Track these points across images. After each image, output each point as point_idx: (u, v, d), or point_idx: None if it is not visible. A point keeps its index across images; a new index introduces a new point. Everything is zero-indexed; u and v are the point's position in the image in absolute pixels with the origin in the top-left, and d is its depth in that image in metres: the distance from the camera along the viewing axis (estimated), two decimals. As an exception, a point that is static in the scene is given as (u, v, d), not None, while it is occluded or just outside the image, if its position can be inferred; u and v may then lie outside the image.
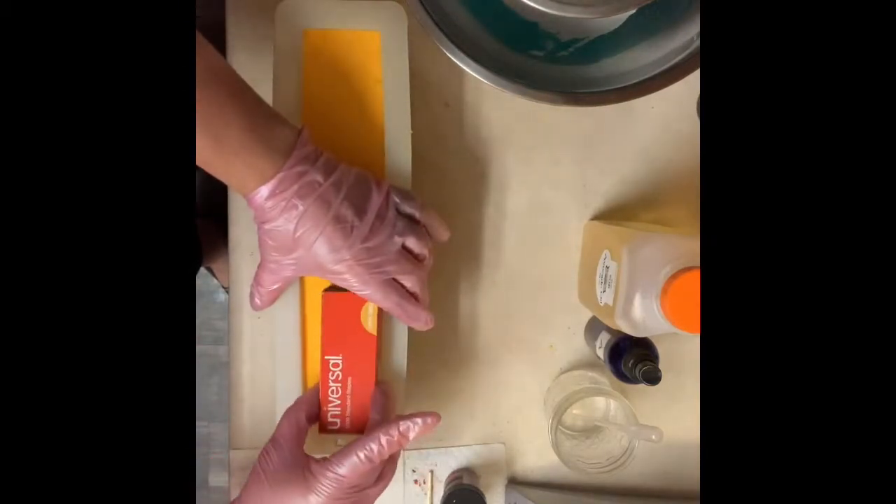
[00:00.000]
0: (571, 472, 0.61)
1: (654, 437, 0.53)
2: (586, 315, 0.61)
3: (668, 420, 0.62)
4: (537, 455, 0.63)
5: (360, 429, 0.51)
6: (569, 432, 0.62)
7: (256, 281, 0.50)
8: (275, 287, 0.50)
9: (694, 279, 0.44)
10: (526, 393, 0.62)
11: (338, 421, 0.51)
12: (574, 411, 0.61)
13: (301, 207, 0.44)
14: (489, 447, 0.63)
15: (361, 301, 0.50)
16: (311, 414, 0.51)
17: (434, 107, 0.59)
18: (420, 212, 0.50)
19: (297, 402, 0.51)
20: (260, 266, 0.49)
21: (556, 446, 0.56)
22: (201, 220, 1.07)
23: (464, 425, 0.63)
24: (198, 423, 1.33)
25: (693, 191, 0.60)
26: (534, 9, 0.43)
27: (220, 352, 1.33)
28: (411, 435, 0.47)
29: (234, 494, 0.62)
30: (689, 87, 0.48)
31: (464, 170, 0.60)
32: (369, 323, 0.51)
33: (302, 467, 0.47)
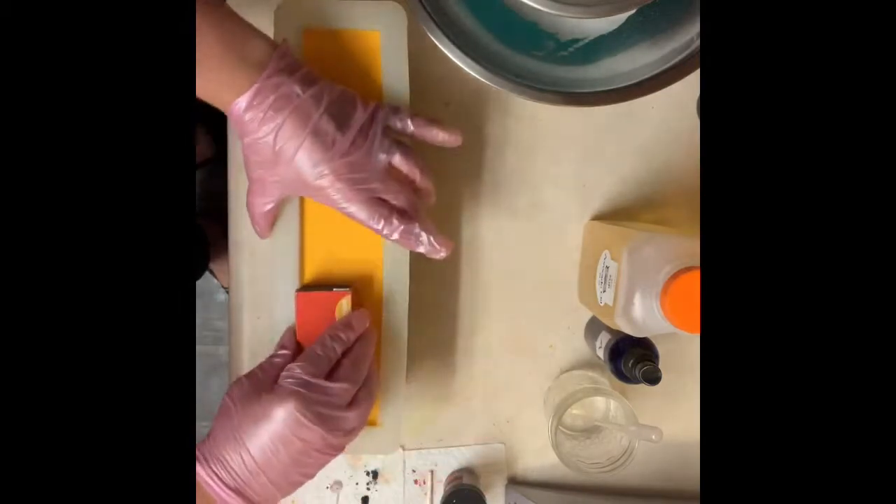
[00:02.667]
0: (571, 472, 0.61)
1: (654, 437, 0.53)
2: (586, 315, 0.61)
3: (668, 420, 0.62)
4: (537, 455, 0.63)
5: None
6: (569, 432, 0.62)
7: (248, 208, 0.50)
8: (267, 207, 0.49)
9: (694, 279, 0.44)
10: (526, 393, 0.62)
11: None
12: (574, 411, 0.61)
13: (279, 119, 0.44)
14: (489, 447, 0.63)
15: (335, 298, 0.50)
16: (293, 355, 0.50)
17: (434, 107, 0.59)
18: (412, 122, 0.49)
19: (285, 343, 0.50)
20: (248, 191, 0.49)
21: (556, 446, 0.56)
22: (201, 220, 1.07)
23: (464, 425, 0.63)
24: (198, 423, 1.33)
25: (693, 191, 0.60)
26: (534, 9, 0.43)
27: (220, 352, 1.33)
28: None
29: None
30: (689, 87, 0.48)
31: (464, 170, 0.60)
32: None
33: (271, 386, 0.46)
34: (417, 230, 0.48)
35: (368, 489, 0.63)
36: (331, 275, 0.53)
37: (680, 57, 0.48)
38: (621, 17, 0.47)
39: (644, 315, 0.47)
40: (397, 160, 0.48)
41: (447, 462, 0.63)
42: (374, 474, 0.63)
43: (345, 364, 0.48)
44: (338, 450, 0.46)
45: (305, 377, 0.45)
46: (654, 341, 0.55)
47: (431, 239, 0.48)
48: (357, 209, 0.47)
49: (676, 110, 0.59)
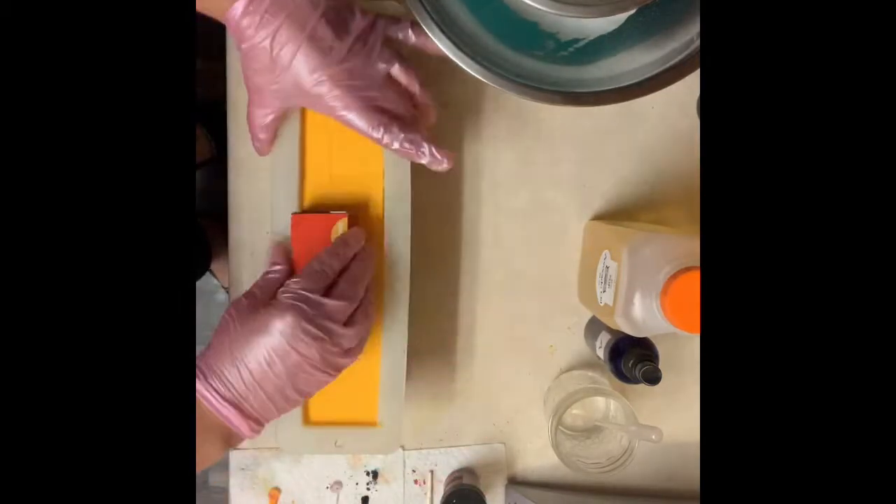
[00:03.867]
0: (571, 472, 0.61)
1: (654, 437, 0.53)
2: (586, 315, 0.61)
3: (668, 420, 0.62)
4: (537, 455, 0.63)
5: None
6: (569, 432, 0.62)
7: (248, 120, 0.49)
8: (268, 119, 0.49)
9: (694, 279, 0.44)
10: (526, 393, 0.62)
11: None
12: (574, 411, 0.61)
13: (276, 23, 0.43)
14: (489, 447, 0.63)
15: (331, 220, 0.50)
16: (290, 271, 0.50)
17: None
18: (413, 32, 0.48)
19: (277, 258, 0.50)
20: (248, 103, 0.49)
21: (556, 446, 0.56)
22: (201, 220, 1.07)
23: (464, 425, 0.63)
24: (198, 423, 1.32)
25: (693, 191, 0.60)
26: (534, 9, 0.43)
27: (220, 352, 1.33)
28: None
29: (234, 495, 0.62)
30: (689, 87, 0.48)
31: (464, 170, 0.60)
32: None
33: (268, 302, 0.46)
34: (419, 139, 0.47)
35: (368, 489, 0.63)
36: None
37: (680, 57, 0.48)
38: (621, 17, 0.47)
39: (644, 315, 0.47)
40: (396, 71, 0.48)
41: (447, 462, 0.63)
42: (374, 474, 0.63)
43: (342, 282, 0.48)
44: (334, 369, 0.46)
45: (303, 292, 0.45)
46: (654, 341, 0.55)
47: (434, 149, 0.47)
48: (356, 116, 0.46)
49: (676, 110, 0.59)
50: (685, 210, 0.60)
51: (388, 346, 0.53)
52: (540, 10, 0.43)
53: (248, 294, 0.47)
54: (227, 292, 0.61)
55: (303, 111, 0.52)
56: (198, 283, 1.18)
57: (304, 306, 0.45)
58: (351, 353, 0.47)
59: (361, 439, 0.54)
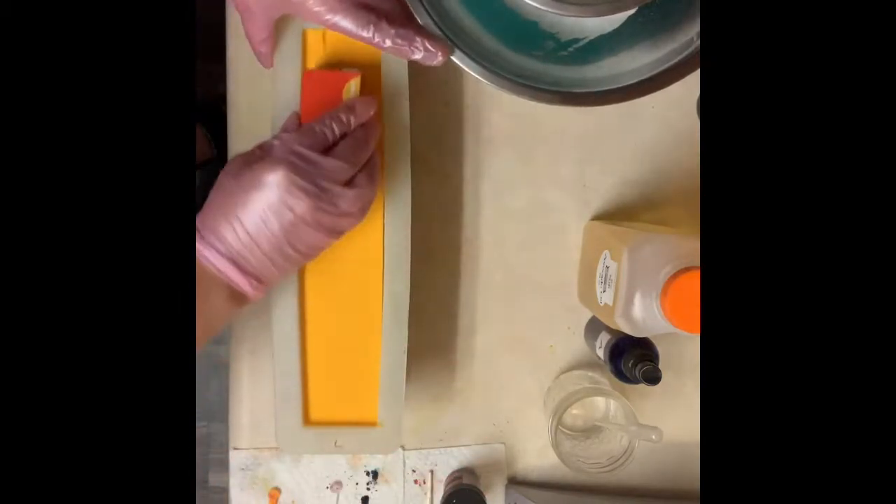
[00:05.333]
0: (571, 472, 0.61)
1: (654, 437, 0.53)
2: (586, 315, 0.61)
3: (668, 420, 0.62)
4: (537, 455, 0.63)
5: None
6: (569, 432, 0.62)
7: (247, 37, 0.49)
8: (262, 36, 0.48)
9: (694, 279, 0.44)
10: (526, 393, 0.62)
11: None
12: (574, 411, 0.61)
13: None
14: (489, 447, 0.63)
15: (344, 78, 0.49)
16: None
17: (434, 107, 0.59)
18: None
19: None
20: (242, 22, 0.48)
21: (556, 446, 0.56)
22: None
23: (464, 425, 0.63)
24: (198, 423, 1.33)
25: (693, 191, 0.60)
26: (534, 8, 0.43)
27: (220, 352, 1.33)
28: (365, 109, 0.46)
29: (234, 495, 0.62)
30: (689, 87, 0.48)
31: (464, 170, 0.60)
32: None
33: (263, 157, 0.45)
34: (411, 33, 0.45)
35: (368, 489, 0.63)
36: (331, 271, 0.53)
37: (680, 57, 0.48)
38: (621, 17, 0.47)
39: (644, 315, 0.47)
40: None
41: (447, 462, 0.63)
42: (374, 474, 0.63)
43: (343, 144, 0.46)
44: (331, 232, 0.45)
45: (298, 147, 0.44)
46: (654, 341, 0.55)
47: (427, 42, 0.45)
48: (342, 18, 0.44)
49: (676, 110, 0.59)
50: (685, 210, 0.60)
51: (388, 346, 0.53)
52: (540, 9, 0.43)
53: (247, 152, 0.46)
54: (227, 292, 0.61)
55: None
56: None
57: (297, 160, 0.44)
58: (349, 216, 0.46)
59: (361, 439, 0.54)
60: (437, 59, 0.46)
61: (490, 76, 0.48)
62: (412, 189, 0.52)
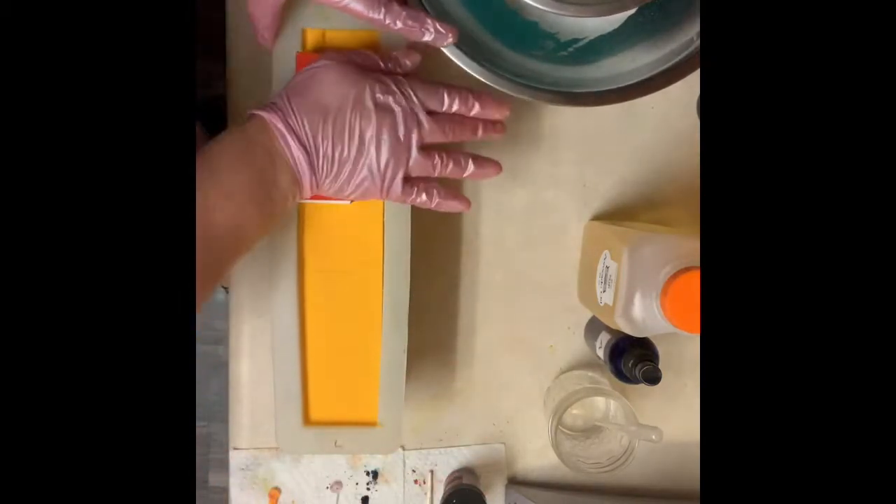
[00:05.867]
0: (571, 472, 0.61)
1: (654, 437, 0.53)
2: (586, 315, 0.61)
3: (668, 420, 0.62)
4: (537, 455, 0.63)
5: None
6: (569, 432, 0.62)
7: (251, 20, 0.49)
8: (267, 20, 0.48)
9: (694, 279, 0.44)
10: (526, 393, 0.62)
11: None
12: (574, 411, 0.61)
13: None
14: (489, 447, 0.63)
15: None
16: None
17: (434, 107, 0.59)
18: None
19: None
20: (247, 3, 0.48)
21: (556, 446, 0.56)
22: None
23: (464, 425, 0.63)
24: (198, 423, 1.33)
25: (693, 191, 0.60)
26: (534, 8, 0.43)
27: (220, 352, 1.33)
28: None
29: (234, 495, 0.62)
30: (689, 87, 0.48)
31: (464, 170, 0.60)
32: None
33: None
34: (422, 14, 0.46)
35: (368, 489, 0.63)
36: (331, 271, 0.53)
37: (680, 57, 0.48)
38: (621, 17, 0.47)
39: (644, 315, 0.47)
40: None
41: (447, 462, 0.63)
42: (374, 474, 0.63)
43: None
44: (399, 162, 0.47)
45: (415, 94, 0.47)
46: (654, 341, 0.55)
47: (437, 24, 0.46)
48: (353, 1, 0.45)
49: (676, 110, 0.59)
50: (685, 210, 0.60)
51: (388, 346, 0.53)
52: (540, 9, 0.43)
53: (349, 62, 0.47)
54: (227, 292, 0.61)
55: None
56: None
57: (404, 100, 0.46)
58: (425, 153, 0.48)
59: (361, 439, 0.54)
60: (448, 40, 0.46)
61: (490, 76, 0.48)
62: (412, 189, 0.52)
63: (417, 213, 0.53)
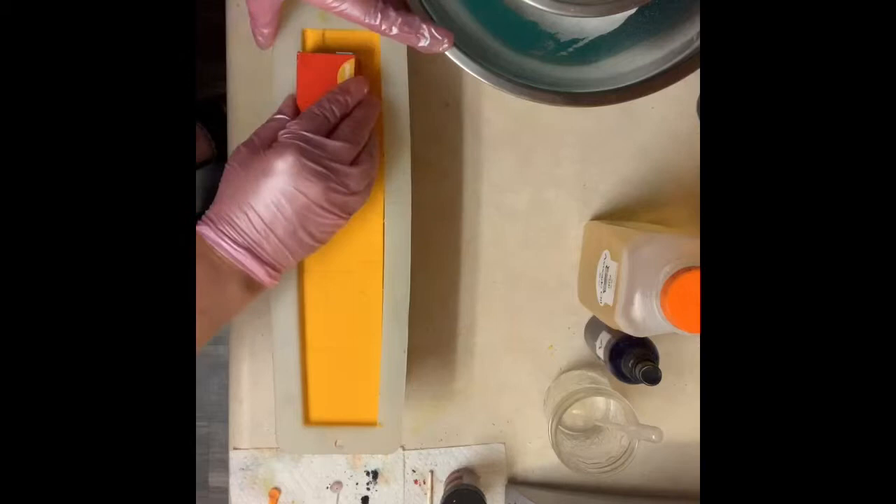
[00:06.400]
0: (571, 472, 0.61)
1: (654, 437, 0.53)
2: (586, 315, 0.61)
3: (668, 420, 0.62)
4: (537, 455, 0.63)
5: None
6: (569, 432, 0.62)
7: (250, 18, 0.49)
8: (266, 19, 0.48)
9: (694, 279, 0.44)
10: (526, 393, 0.62)
11: None
12: (574, 411, 0.61)
13: None
14: (489, 447, 0.63)
15: (338, 61, 0.50)
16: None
17: (434, 107, 0.59)
18: None
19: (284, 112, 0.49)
20: (247, 2, 0.48)
21: (556, 446, 0.56)
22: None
23: (464, 425, 0.63)
24: (198, 423, 1.33)
25: (693, 191, 0.60)
26: (534, 8, 0.43)
27: (220, 352, 1.33)
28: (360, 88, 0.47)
29: (234, 495, 0.62)
30: (689, 87, 0.48)
31: (464, 170, 0.60)
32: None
33: (269, 145, 0.45)
34: (417, 20, 0.46)
35: (368, 489, 0.63)
36: (331, 271, 0.53)
37: (680, 57, 0.48)
38: (621, 17, 0.47)
39: (644, 315, 0.47)
40: None
41: (447, 462, 0.63)
42: (374, 474, 0.63)
43: (344, 125, 0.47)
44: (343, 211, 0.46)
45: (303, 132, 0.45)
46: (654, 341, 0.55)
47: (433, 29, 0.45)
48: (350, 6, 0.45)
49: (676, 110, 0.59)
50: (685, 210, 0.60)
51: (388, 346, 0.53)
52: (540, 9, 0.43)
53: (247, 142, 0.47)
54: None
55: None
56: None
57: (305, 145, 0.44)
58: (357, 194, 0.46)
59: (361, 439, 0.54)
60: (443, 46, 0.46)
61: (490, 76, 0.48)
62: (412, 189, 0.52)
63: (417, 214, 0.53)
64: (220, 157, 1.08)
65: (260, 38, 0.50)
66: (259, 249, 0.45)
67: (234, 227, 0.44)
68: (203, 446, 1.34)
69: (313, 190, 0.44)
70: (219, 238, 0.44)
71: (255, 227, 0.44)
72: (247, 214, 0.44)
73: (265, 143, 0.46)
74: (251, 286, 0.46)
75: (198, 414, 1.34)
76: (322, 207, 0.45)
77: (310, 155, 0.44)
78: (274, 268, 0.46)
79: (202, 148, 1.08)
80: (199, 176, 1.15)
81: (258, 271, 0.45)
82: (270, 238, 0.44)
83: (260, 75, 0.54)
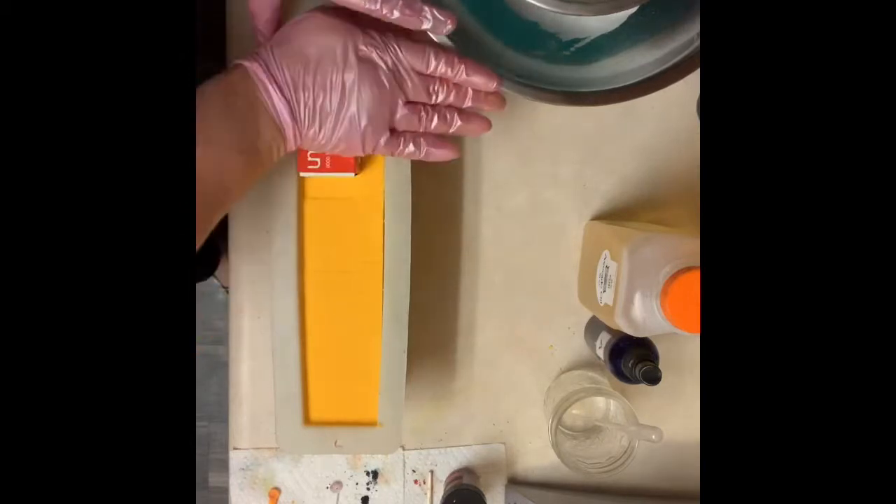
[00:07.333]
0: (571, 472, 0.61)
1: (654, 437, 0.53)
2: (586, 315, 0.61)
3: (668, 420, 0.62)
4: (537, 455, 0.63)
5: (341, 168, 0.51)
6: (569, 432, 0.62)
7: (252, 14, 0.49)
8: (267, 16, 0.48)
9: (694, 279, 0.44)
10: (526, 393, 0.62)
11: (318, 160, 0.51)
12: (574, 411, 0.61)
13: None
14: (489, 447, 0.63)
15: None
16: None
17: (434, 107, 0.59)
18: None
19: None
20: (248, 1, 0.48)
21: (556, 446, 0.56)
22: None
23: (464, 425, 0.63)
24: (198, 423, 1.33)
25: (693, 191, 0.60)
26: (535, 8, 0.43)
27: (220, 352, 1.33)
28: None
29: (234, 495, 0.62)
30: (689, 87, 0.48)
31: (464, 170, 0.60)
32: None
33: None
34: (419, 3, 0.45)
35: (368, 489, 0.63)
36: (331, 271, 0.53)
37: (680, 57, 0.48)
38: (622, 17, 0.47)
39: (644, 315, 0.47)
40: None
41: (447, 462, 0.63)
42: (374, 474, 0.63)
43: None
44: (387, 113, 0.46)
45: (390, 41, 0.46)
46: (654, 341, 0.55)
47: (435, 11, 0.45)
48: None
49: (676, 110, 0.59)
50: (685, 210, 0.60)
51: (388, 346, 0.53)
52: (541, 8, 0.43)
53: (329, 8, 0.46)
54: (227, 292, 0.61)
55: None
56: (198, 284, 1.18)
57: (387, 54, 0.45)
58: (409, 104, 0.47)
59: (361, 439, 0.54)
60: (447, 28, 0.46)
61: (490, 76, 0.48)
62: (412, 189, 0.52)
63: (417, 213, 0.53)
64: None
65: (260, 38, 0.50)
66: (296, 108, 0.44)
67: (287, 79, 0.44)
68: (203, 446, 1.34)
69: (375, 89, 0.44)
70: (269, 83, 0.44)
71: (303, 86, 0.44)
72: (304, 71, 0.44)
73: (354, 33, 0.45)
74: (279, 140, 0.45)
75: (198, 414, 1.34)
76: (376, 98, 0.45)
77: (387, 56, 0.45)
78: (300, 134, 0.45)
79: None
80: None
81: (289, 128, 0.45)
82: (310, 103, 0.44)
83: (260, 75, 0.54)
